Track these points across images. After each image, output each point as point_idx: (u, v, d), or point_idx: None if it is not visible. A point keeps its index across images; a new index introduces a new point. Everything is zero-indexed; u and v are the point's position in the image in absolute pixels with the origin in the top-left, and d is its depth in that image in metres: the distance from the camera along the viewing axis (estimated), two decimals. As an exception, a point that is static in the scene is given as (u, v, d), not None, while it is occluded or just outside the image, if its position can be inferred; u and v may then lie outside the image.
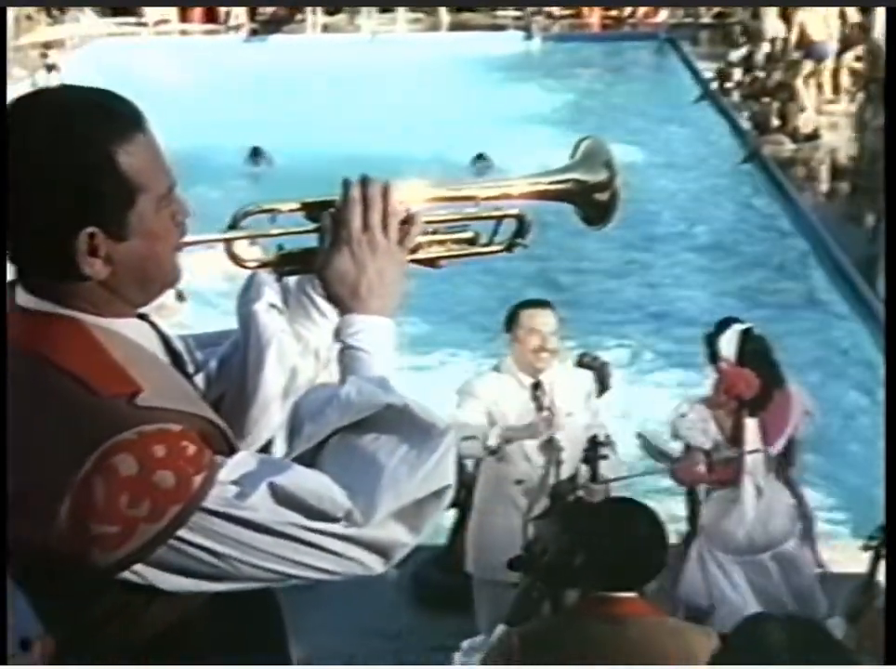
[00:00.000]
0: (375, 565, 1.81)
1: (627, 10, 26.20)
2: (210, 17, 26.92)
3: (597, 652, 3.10)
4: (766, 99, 16.99)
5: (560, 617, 3.35)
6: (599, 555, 3.25)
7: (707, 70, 20.75)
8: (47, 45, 23.39)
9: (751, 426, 5.30)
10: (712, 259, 13.21)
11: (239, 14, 26.39)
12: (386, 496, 1.77)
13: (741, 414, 5.31)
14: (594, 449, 5.17)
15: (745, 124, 17.04)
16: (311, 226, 2.02)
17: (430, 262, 2.12)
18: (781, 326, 10.84)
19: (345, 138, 18.18)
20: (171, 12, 26.87)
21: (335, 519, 1.76)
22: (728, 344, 5.46)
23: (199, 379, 2.07)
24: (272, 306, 2.08)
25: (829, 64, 16.77)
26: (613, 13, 26.52)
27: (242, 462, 1.77)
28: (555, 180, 2.12)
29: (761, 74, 17.93)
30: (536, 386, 5.34)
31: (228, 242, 2.01)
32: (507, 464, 5.31)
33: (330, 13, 26.74)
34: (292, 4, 26.94)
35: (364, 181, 2.00)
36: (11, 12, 22.86)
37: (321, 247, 2.00)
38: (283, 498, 1.74)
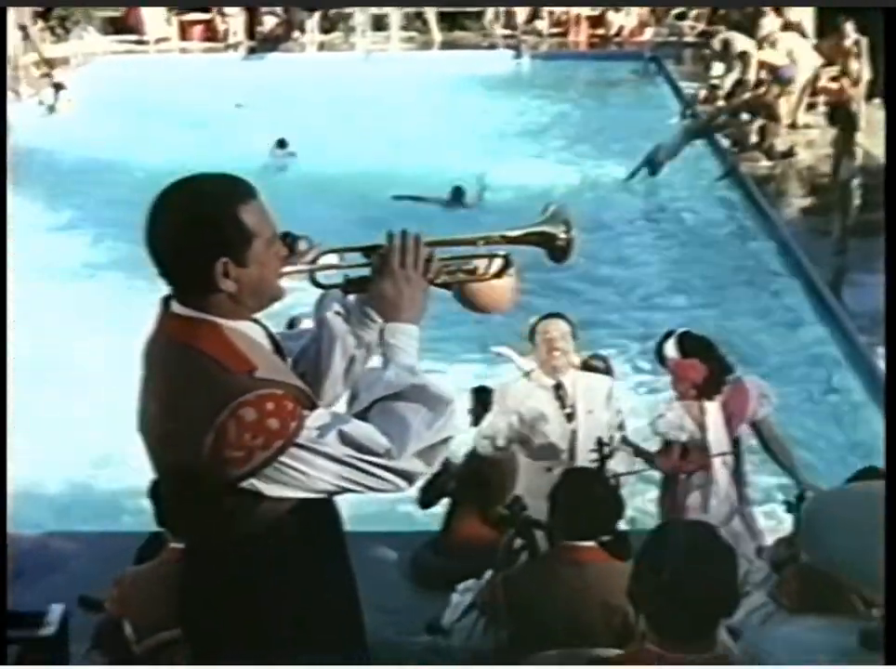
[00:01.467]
0: (403, 486, 2.76)
1: (614, 29, 26.80)
2: (209, 35, 27.59)
3: (563, 590, 3.89)
4: (745, 117, 17.74)
5: (535, 562, 4.13)
6: (564, 512, 4.07)
7: (690, 88, 21.54)
8: (51, 64, 24.11)
9: (711, 408, 6.13)
10: (689, 270, 13.97)
11: (237, 32, 27.08)
12: (411, 441, 2.72)
13: (702, 400, 6.13)
14: (599, 449, 5.99)
15: (724, 142, 17.83)
16: (366, 261, 2.99)
17: (446, 286, 3.11)
18: (753, 333, 11.75)
19: (340, 153, 19.00)
20: (171, 31, 27.53)
21: (378, 455, 2.69)
22: (671, 348, 6.33)
23: (289, 362, 2.98)
24: (338, 313, 3.02)
25: (802, 85, 17.55)
26: (600, 32, 27.14)
27: (320, 415, 2.72)
28: (529, 232, 3.08)
29: (741, 94, 18.69)
30: (558, 386, 6.18)
31: (312, 272, 3.01)
32: (536, 456, 6.19)
33: (325, 31, 27.39)
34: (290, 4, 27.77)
35: (403, 233, 2.92)
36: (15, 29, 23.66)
37: (372, 276, 2.94)
38: (346, 439, 2.67)
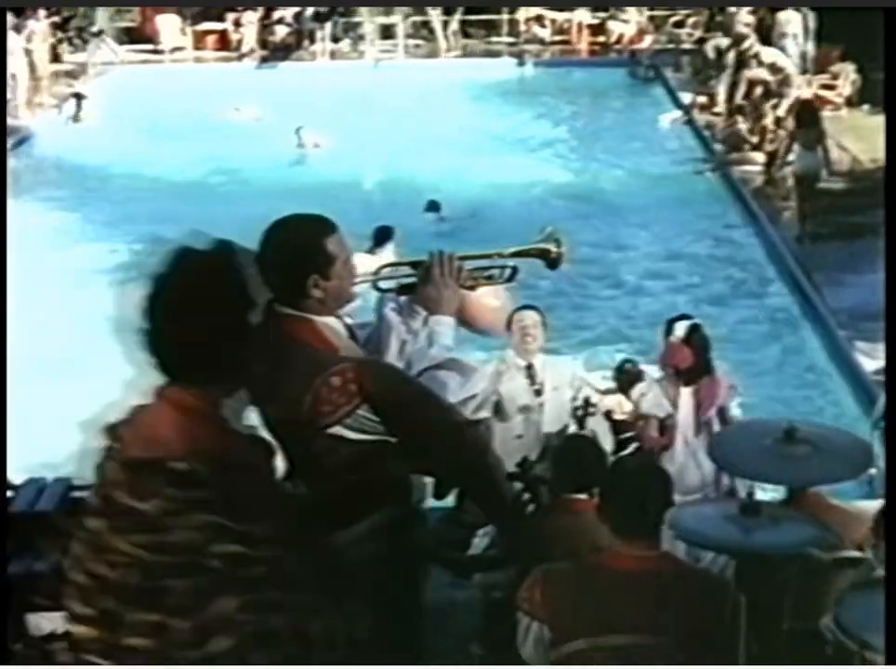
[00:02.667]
0: None
1: (614, 37, 27.64)
2: (223, 45, 28.47)
3: (562, 533, 4.80)
4: (738, 124, 18.64)
5: (540, 511, 5.02)
6: (562, 470, 5.05)
7: (687, 94, 22.45)
8: (72, 75, 25.01)
9: (685, 393, 7.05)
10: (682, 270, 14.88)
11: (250, 41, 27.95)
12: (449, 396, 3.74)
13: (678, 384, 7.06)
14: (584, 408, 7.00)
15: (719, 147, 18.74)
16: (413, 272, 4.04)
17: (472, 288, 4.11)
18: (739, 328, 12.64)
19: (351, 157, 19.87)
20: (186, 40, 28.40)
21: None
22: (680, 327, 7.24)
23: (359, 344, 4.00)
24: (393, 310, 4.04)
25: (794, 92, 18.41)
26: (601, 39, 28.02)
27: None
28: (531, 248, 4.12)
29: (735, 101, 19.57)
30: (529, 367, 7.17)
31: (375, 281, 4.07)
32: (509, 425, 7.14)
33: (335, 40, 28.23)
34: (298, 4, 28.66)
35: (440, 252, 3.99)
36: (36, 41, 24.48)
37: (418, 283, 3.98)
38: None
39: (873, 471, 4.79)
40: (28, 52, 23.51)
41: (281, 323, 3.62)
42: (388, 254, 11.94)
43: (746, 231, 15.80)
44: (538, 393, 7.13)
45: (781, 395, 10.96)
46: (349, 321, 3.95)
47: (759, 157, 17.44)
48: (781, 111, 17.58)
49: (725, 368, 7.50)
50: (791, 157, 15.79)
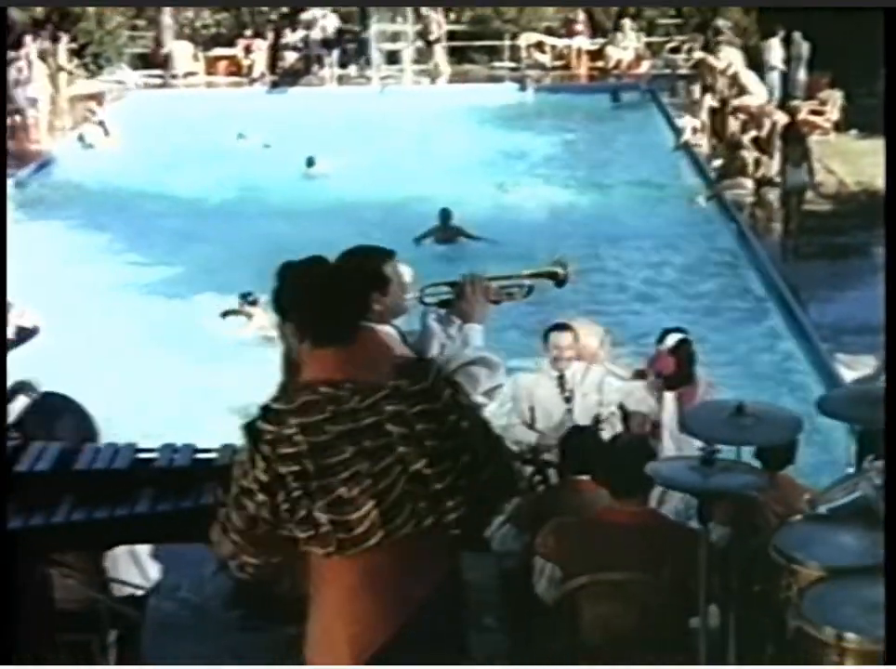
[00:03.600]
0: None
1: (613, 62, 28.60)
2: (234, 70, 29.39)
3: (567, 509, 5.69)
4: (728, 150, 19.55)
5: (548, 490, 5.92)
6: (571, 457, 5.94)
7: (681, 119, 23.28)
8: (91, 99, 25.91)
9: (668, 396, 7.92)
10: (679, 284, 15.73)
11: (260, 66, 28.88)
12: (480, 386, 4.64)
13: (662, 388, 7.95)
14: (596, 424, 7.82)
15: (713, 172, 19.63)
16: (450, 290, 4.99)
17: (497, 302, 5.06)
18: (731, 340, 13.49)
19: (358, 180, 20.64)
20: (198, 66, 29.32)
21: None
22: (670, 339, 8.14)
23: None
24: (435, 319, 4.99)
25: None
26: (599, 64, 28.98)
27: None
28: (542, 271, 5.06)
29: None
30: (561, 377, 7.90)
31: (420, 297, 5.00)
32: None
33: (343, 65, 29.16)
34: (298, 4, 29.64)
35: (472, 275, 4.90)
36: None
37: (455, 298, 4.93)
38: None
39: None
40: (52, 78, 24.43)
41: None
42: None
43: (738, 251, 16.62)
44: (568, 400, 7.80)
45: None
46: (400, 328, 4.91)
47: (748, 182, 18.28)
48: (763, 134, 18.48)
49: (713, 373, 8.37)
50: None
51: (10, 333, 11.60)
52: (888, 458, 4.29)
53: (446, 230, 16.92)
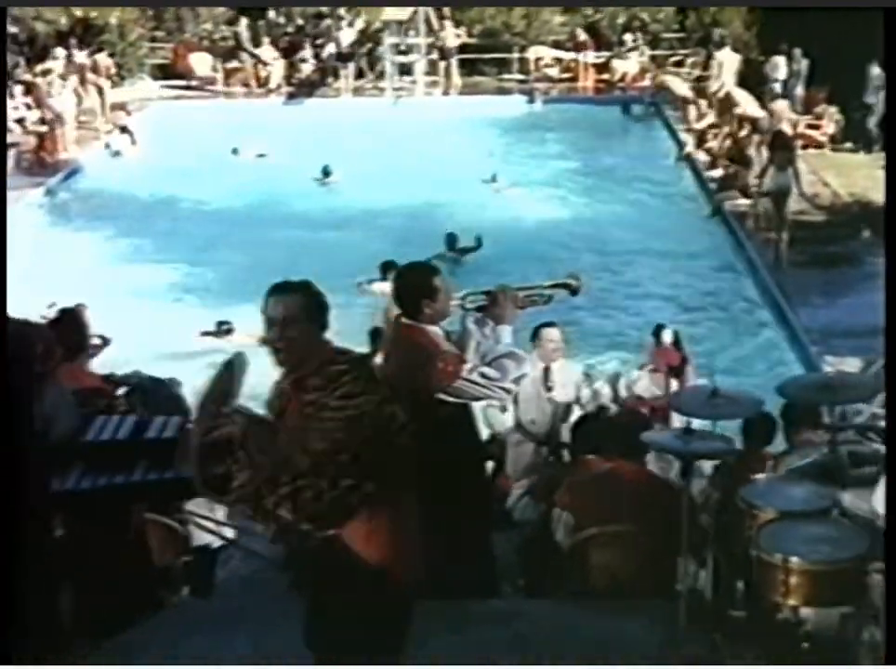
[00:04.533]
0: (504, 396, 6.02)
1: (618, 75, 29.44)
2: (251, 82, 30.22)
3: (577, 481, 6.64)
4: (726, 163, 20.47)
5: (561, 467, 6.88)
6: (581, 439, 6.90)
7: (683, 131, 24.21)
8: (118, 109, 26.82)
9: (674, 383, 8.94)
10: (678, 285, 16.80)
11: (277, 78, 29.77)
12: (509, 375, 5.78)
13: (669, 376, 8.95)
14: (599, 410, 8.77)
15: (712, 184, 20.53)
16: (485, 298, 6.01)
17: (521, 308, 6.09)
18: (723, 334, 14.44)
19: (371, 188, 21.46)
20: (217, 77, 30.23)
21: (495, 380, 5.78)
22: (667, 335, 9.22)
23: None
24: (473, 321, 5.99)
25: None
26: (605, 77, 29.83)
27: (470, 366, 5.74)
28: (559, 283, 6.09)
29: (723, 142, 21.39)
30: (546, 369, 8.78)
31: (461, 303, 6.01)
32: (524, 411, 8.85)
33: (358, 77, 30.06)
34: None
35: (504, 286, 5.93)
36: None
37: (489, 305, 5.95)
38: (482, 374, 5.72)
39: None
40: (77, 92, 25.36)
41: (404, 329, 5.64)
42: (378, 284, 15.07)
43: (736, 260, 17.55)
44: (549, 389, 8.61)
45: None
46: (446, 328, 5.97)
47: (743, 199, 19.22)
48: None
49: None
50: (766, 178, 17.61)
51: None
52: (888, 458, 4.80)
53: (452, 252, 17.38)
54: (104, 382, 6.70)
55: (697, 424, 5.58)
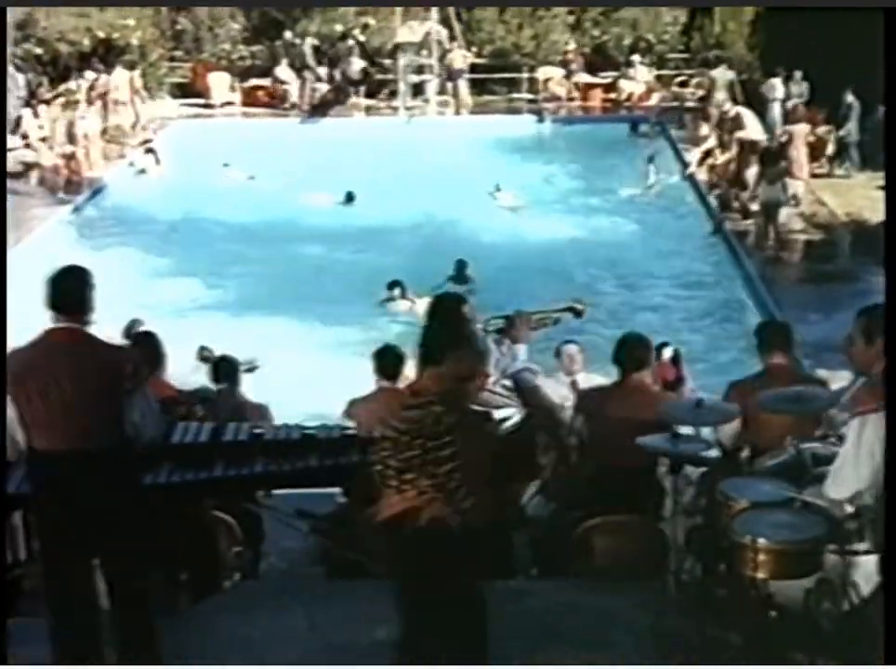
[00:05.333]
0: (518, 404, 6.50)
1: (625, 94, 30.32)
2: (269, 101, 31.05)
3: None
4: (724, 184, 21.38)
5: (569, 469, 7.78)
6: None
7: (688, 150, 25.01)
8: (136, 128, 27.80)
9: (672, 396, 9.78)
10: (681, 301, 17.64)
11: (293, 97, 30.67)
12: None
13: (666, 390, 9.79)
14: None
15: (713, 202, 21.38)
16: (504, 321, 6.99)
17: (534, 330, 7.13)
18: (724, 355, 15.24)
19: (386, 205, 22.25)
20: (235, 96, 31.09)
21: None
22: (667, 352, 10.03)
23: None
24: (492, 341, 6.89)
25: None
26: (612, 96, 30.73)
27: (493, 380, 6.63)
28: (566, 307, 7.06)
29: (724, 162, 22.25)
30: (573, 382, 9.55)
31: (484, 327, 6.83)
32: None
33: (370, 95, 30.98)
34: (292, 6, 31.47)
35: (519, 311, 6.77)
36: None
37: (506, 327, 6.91)
38: (503, 386, 6.52)
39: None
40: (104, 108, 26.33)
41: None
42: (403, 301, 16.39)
43: (736, 277, 18.36)
44: None
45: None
46: None
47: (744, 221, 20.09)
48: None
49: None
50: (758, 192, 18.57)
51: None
52: (888, 458, 5.12)
53: (460, 280, 17.47)
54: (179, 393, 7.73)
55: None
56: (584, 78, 31.02)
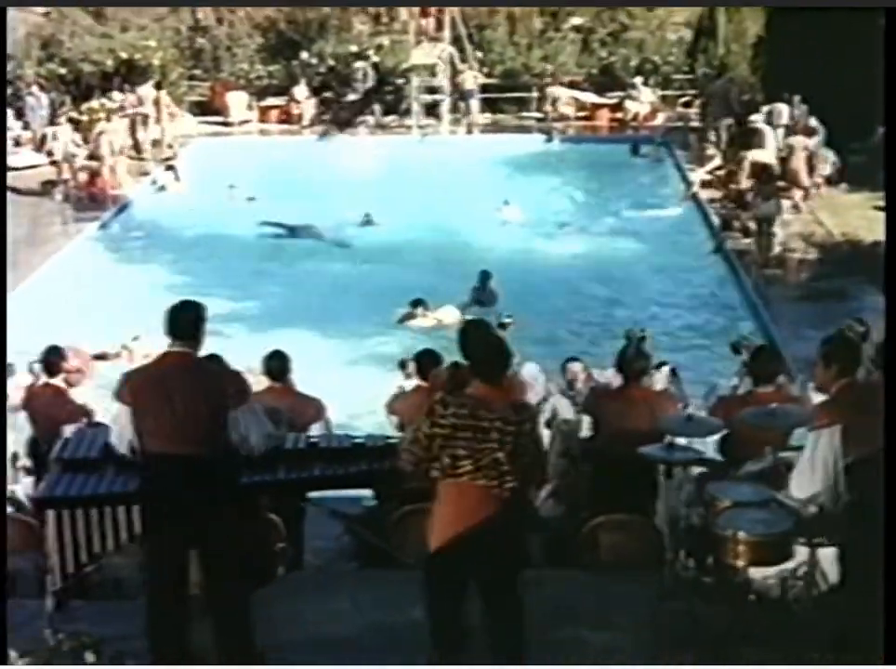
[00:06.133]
0: None
1: (631, 114, 31.25)
2: (285, 119, 32.04)
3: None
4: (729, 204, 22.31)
5: (578, 475, 8.69)
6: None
7: (692, 170, 25.86)
8: (159, 144, 28.76)
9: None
10: (684, 315, 18.52)
11: (309, 115, 31.62)
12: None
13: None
14: None
15: (716, 220, 22.26)
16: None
17: None
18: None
19: (401, 218, 23.21)
20: (252, 114, 31.99)
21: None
22: (665, 370, 10.91)
23: None
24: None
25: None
26: (619, 116, 31.64)
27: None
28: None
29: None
30: (574, 396, 10.59)
31: None
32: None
33: (384, 114, 31.95)
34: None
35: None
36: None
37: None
38: None
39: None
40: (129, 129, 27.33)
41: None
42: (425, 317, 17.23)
43: (735, 295, 19.21)
44: (578, 413, 10.17)
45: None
46: None
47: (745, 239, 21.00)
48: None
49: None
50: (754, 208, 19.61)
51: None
52: (887, 457, 5.76)
53: (484, 292, 18.37)
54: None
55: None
56: (591, 98, 31.95)
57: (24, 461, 10.82)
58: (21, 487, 10.68)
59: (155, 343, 15.23)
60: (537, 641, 6.48)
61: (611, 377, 10.28)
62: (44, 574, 7.92)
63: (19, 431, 11.09)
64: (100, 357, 14.61)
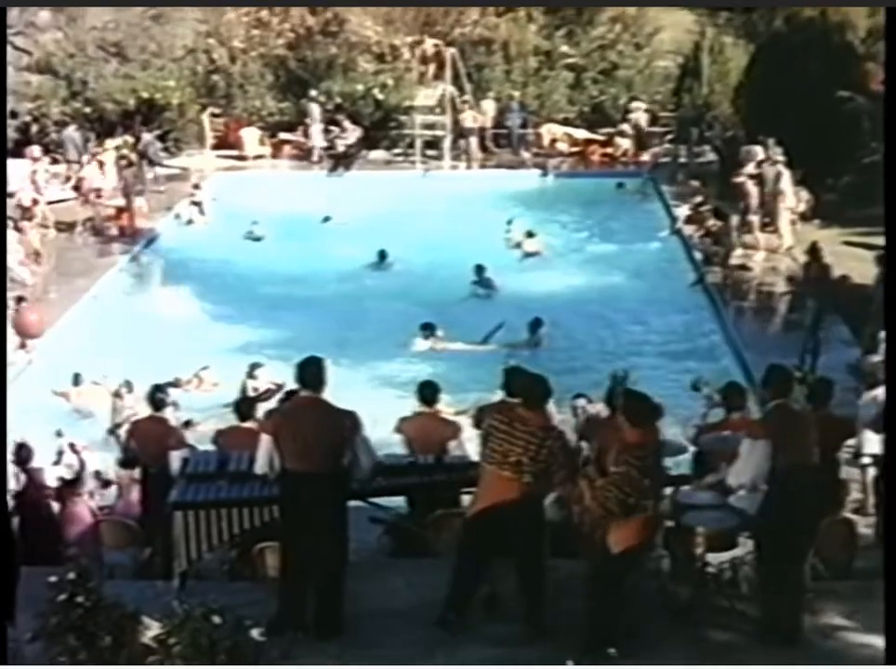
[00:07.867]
0: None
1: (621, 150, 33.18)
2: (296, 154, 34.02)
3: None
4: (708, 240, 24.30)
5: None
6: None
7: (678, 206, 27.70)
8: (178, 179, 30.63)
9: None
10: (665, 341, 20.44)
11: (318, 150, 33.54)
12: None
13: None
14: None
15: (698, 255, 24.19)
16: None
17: None
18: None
19: (407, 249, 24.91)
20: (265, 149, 33.92)
21: None
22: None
23: None
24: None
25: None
26: (609, 151, 33.57)
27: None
28: None
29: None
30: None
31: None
32: None
33: (388, 148, 33.91)
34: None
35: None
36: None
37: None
38: None
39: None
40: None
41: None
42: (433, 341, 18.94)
43: (712, 323, 21.09)
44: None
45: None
46: None
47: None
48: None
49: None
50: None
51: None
52: (887, 458, 8.09)
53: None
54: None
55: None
56: (583, 134, 33.92)
57: (108, 475, 12.93)
58: (99, 497, 12.74)
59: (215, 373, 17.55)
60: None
61: (601, 409, 12.17)
62: (140, 567, 10.08)
63: (110, 451, 13.23)
64: (173, 384, 16.27)
